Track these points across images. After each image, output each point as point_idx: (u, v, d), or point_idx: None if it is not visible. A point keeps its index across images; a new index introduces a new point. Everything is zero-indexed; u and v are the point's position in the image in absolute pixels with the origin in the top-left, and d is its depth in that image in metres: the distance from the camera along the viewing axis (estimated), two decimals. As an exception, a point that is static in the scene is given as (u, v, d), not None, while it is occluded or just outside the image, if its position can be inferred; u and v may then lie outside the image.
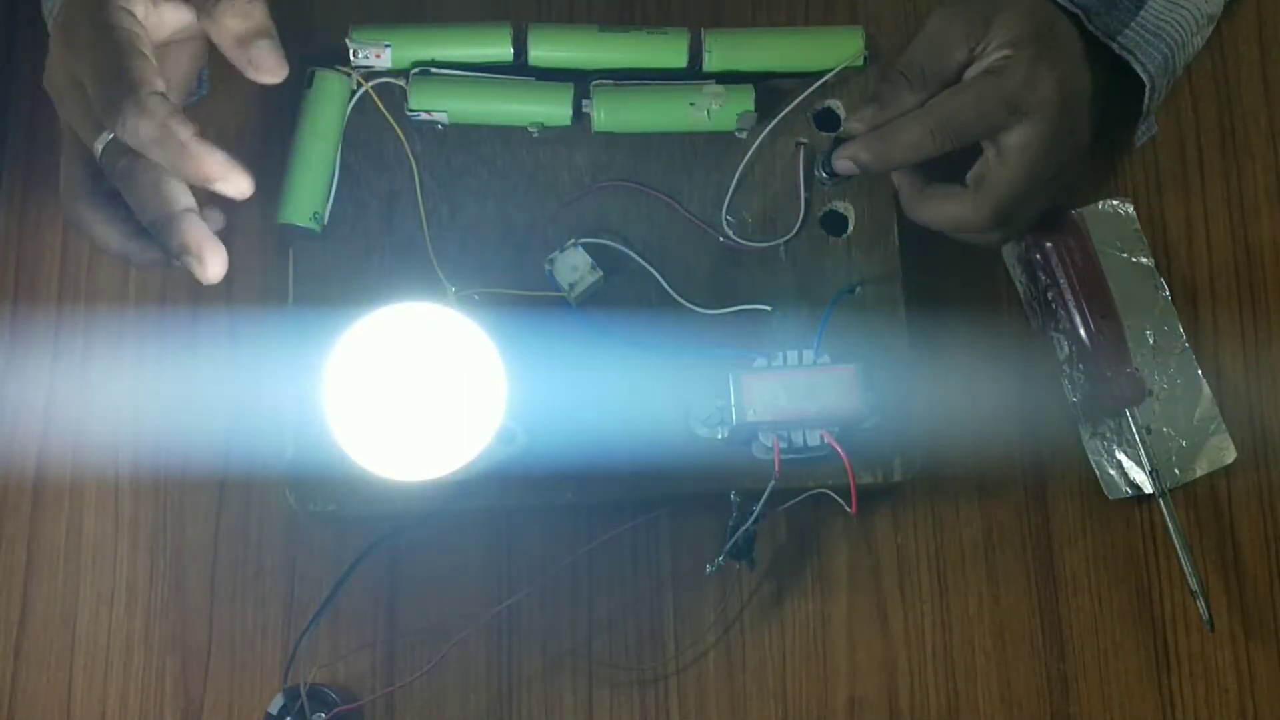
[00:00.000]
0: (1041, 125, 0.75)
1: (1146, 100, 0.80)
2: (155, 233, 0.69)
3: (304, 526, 0.80)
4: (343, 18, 0.82)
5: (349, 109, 0.81)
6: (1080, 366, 0.83)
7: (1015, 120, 0.75)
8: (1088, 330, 0.82)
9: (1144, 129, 0.84)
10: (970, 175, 0.78)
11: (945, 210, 0.78)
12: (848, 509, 0.75)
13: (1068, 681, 0.80)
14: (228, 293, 0.83)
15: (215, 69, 0.86)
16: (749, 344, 0.78)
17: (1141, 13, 0.79)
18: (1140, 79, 0.79)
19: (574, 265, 0.79)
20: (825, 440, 0.75)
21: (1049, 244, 0.83)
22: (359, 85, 0.81)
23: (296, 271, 0.79)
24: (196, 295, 0.83)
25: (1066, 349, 0.83)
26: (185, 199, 0.69)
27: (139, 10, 0.71)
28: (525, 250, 0.80)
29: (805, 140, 0.82)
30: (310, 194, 0.80)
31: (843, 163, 0.77)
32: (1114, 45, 0.78)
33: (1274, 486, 0.83)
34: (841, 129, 0.79)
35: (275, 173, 0.80)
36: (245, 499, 0.81)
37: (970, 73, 0.77)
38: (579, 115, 0.81)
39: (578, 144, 0.82)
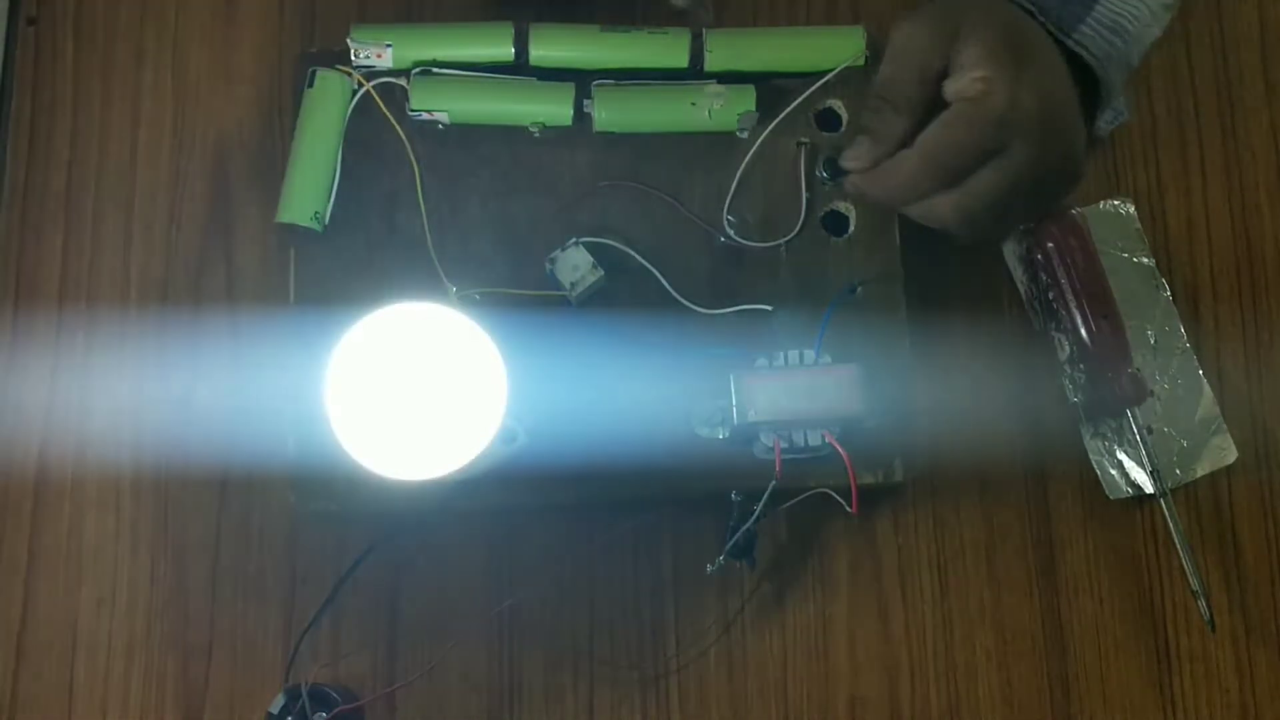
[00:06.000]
0: (1029, 140, 0.75)
1: (1104, 95, 0.79)
2: None
3: (305, 526, 0.80)
4: (344, 17, 0.82)
5: (350, 109, 0.81)
6: (1081, 366, 0.83)
7: (1005, 139, 0.75)
8: (1089, 330, 0.82)
9: (1106, 120, 0.82)
10: None
11: (927, 203, 0.78)
12: (848, 509, 0.75)
13: (1069, 681, 0.80)
14: (229, 293, 0.83)
15: (205, 63, 0.86)
16: (750, 344, 0.78)
17: (1097, 7, 0.78)
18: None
19: (575, 264, 0.79)
20: (826, 440, 0.75)
21: (1050, 244, 0.83)
22: (360, 85, 0.81)
23: (298, 271, 0.79)
24: (198, 295, 0.83)
25: (1067, 349, 0.83)
26: None
27: None
28: (526, 250, 0.80)
29: (806, 140, 0.82)
30: (311, 194, 0.80)
31: (851, 187, 0.77)
32: (1069, 41, 0.78)
33: (1275, 487, 0.83)
34: (841, 159, 0.78)
35: (276, 172, 0.81)
36: (246, 499, 0.81)
37: (948, 88, 0.76)
38: (580, 115, 0.81)
39: (579, 144, 0.82)
